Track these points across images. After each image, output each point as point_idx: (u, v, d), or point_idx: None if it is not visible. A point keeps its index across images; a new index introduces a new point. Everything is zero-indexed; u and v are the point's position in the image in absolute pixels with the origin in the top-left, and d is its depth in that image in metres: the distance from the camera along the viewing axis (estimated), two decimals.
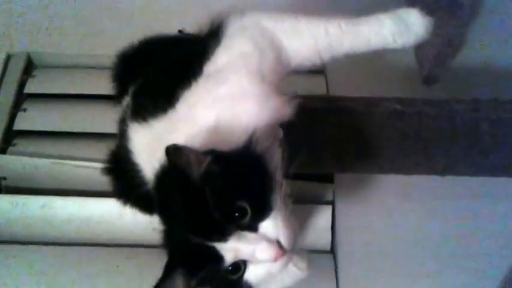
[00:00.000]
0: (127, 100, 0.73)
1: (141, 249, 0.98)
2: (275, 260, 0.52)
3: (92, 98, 1.14)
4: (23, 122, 1.12)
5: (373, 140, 0.84)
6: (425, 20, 0.68)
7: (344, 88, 1.11)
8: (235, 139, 0.55)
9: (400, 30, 0.68)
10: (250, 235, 0.52)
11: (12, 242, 0.99)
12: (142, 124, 0.64)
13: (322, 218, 1.01)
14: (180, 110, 0.61)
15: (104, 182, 0.73)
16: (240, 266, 0.53)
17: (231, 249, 0.51)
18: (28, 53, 1.21)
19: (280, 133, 0.64)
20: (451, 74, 1.17)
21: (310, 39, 0.68)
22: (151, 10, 1.24)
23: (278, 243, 0.52)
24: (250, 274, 0.54)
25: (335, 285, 0.97)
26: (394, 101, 0.85)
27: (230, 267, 0.53)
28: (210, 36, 0.68)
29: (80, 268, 0.97)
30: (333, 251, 1.02)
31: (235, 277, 0.53)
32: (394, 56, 1.09)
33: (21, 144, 1.09)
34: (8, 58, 1.20)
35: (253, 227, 0.52)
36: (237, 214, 0.52)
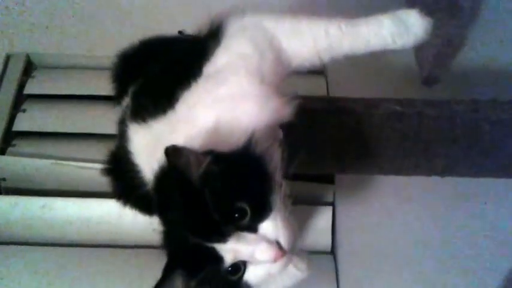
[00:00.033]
0: (127, 101, 0.73)
1: (141, 250, 0.98)
2: (275, 260, 0.52)
3: (91, 98, 1.14)
4: (22, 123, 1.12)
5: (373, 141, 0.84)
6: (424, 21, 0.68)
7: (344, 89, 1.11)
8: (235, 140, 0.55)
9: (400, 31, 0.67)
10: (249, 236, 0.52)
11: (12, 243, 0.99)
12: (141, 125, 0.64)
13: (322, 219, 1.01)
14: (179, 111, 0.61)
15: (104, 182, 0.73)
16: (239, 266, 0.53)
17: (230, 250, 0.51)
18: (28, 53, 1.21)
19: (280, 134, 0.64)
20: (451, 74, 1.17)
21: (310, 40, 0.68)
22: (151, 10, 1.24)
23: (278, 244, 0.52)
24: (250, 275, 0.54)
25: (335, 286, 0.97)
26: (394, 102, 0.85)
27: (230, 268, 0.53)
28: (210, 36, 0.68)
29: (80, 269, 0.97)
30: (333, 251, 1.02)
31: (234, 278, 0.53)
32: (394, 57, 1.09)
33: (20, 145, 1.09)
34: (8, 58, 1.20)
35: (252, 228, 0.52)
36: (236, 215, 0.51)
